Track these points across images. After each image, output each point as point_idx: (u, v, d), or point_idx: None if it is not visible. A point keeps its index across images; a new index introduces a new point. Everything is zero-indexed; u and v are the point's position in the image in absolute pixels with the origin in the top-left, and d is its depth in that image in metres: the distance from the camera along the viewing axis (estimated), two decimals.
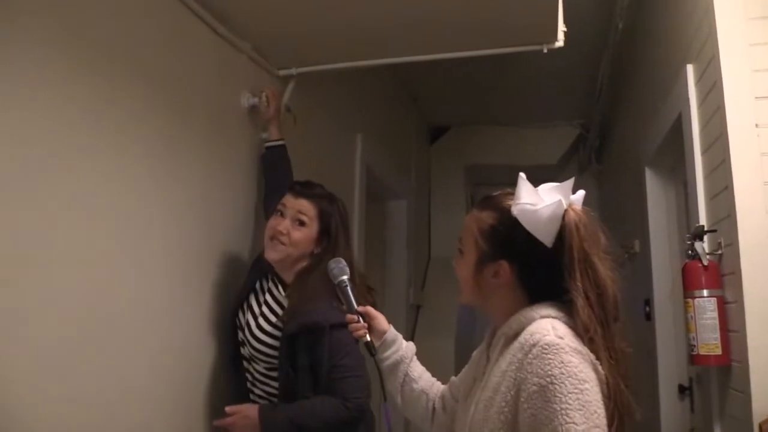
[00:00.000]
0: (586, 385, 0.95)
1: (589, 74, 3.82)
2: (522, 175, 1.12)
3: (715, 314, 1.79)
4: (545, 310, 1.07)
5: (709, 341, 1.80)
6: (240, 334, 1.83)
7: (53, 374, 1.28)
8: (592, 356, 1.00)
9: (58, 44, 1.32)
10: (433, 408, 1.33)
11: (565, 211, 1.08)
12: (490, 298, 1.15)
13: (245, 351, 1.81)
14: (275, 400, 1.76)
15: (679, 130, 2.22)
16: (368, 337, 1.34)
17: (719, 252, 1.84)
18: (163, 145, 1.68)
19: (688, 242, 1.92)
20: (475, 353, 1.29)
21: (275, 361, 1.74)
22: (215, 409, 1.78)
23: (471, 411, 1.11)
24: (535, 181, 1.13)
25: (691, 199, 2.13)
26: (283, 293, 1.80)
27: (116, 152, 1.49)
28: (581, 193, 1.13)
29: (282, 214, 1.80)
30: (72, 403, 1.32)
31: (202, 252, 1.85)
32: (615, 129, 4.11)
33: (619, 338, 1.05)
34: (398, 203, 4.15)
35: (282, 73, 2.28)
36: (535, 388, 0.97)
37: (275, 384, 1.76)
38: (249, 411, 1.69)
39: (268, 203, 2.03)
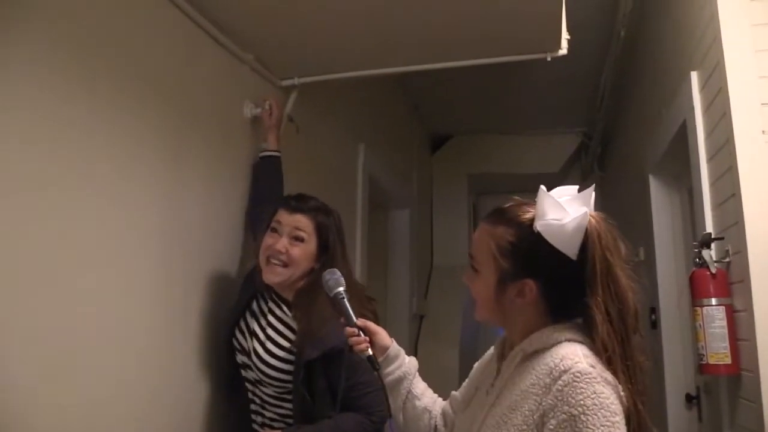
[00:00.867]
0: (617, 418, 0.93)
1: (591, 82, 3.83)
2: (543, 188, 1.07)
3: (724, 323, 1.77)
4: (569, 333, 1.03)
5: (719, 350, 1.77)
6: (240, 357, 1.75)
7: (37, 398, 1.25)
8: (620, 387, 0.97)
9: (60, 52, 1.31)
10: (435, 426, 1.30)
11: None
12: (512, 317, 1.11)
13: (250, 375, 1.73)
14: (290, 421, 1.69)
15: (683, 138, 2.21)
16: (370, 351, 1.28)
17: (727, 260, 1.82)
18: (165, 155, 1.66)
19: (696, 250, 1.90)
20: (477, 363, 1.26)
21: (288, 385, 1.66)
22: None
23: (477, 424, 1.08)
24: (538, 189, 1.09)
25: (696, 207, 2.12)
26: (288, 314, 1.73)
27: (116, 163, 1.48)
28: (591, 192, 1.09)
29: (277, 232, 1.71)
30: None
31: (203, 266, 1.83)
32: (617, 137, 4.10)
33: (638, 352, 1.03)
34: (401, 212, 4.14)
35: (284, 83, 2.27)
36: (565, 416, 0.94)
37: (288, 406, 1.69)
38: None
39: (253, 214, 1.97)
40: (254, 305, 1.79)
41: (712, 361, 1.78)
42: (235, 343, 1.76)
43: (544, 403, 0.97)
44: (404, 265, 4.08)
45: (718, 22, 1.81)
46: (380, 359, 1.30)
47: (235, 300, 1.84)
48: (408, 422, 1.32)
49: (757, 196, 1.68)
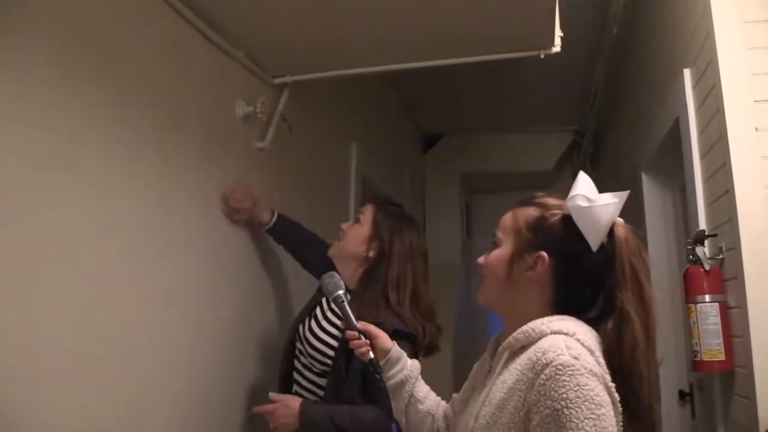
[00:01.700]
0: (603, 410, 0.91)
1: (583, 80, 3.83)
2: (582, 172, 1.11)
3: (718, 319, 1.77)
4: (557, 325, 1.02)
5: (712, 347, 1.78)
6: (299, 346, 1.87)
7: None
8: (608, 378, 0.96)
9: (49, 50, 1.30)
10: (438, 430, 1.28)
11: (614, 225, 1.07)
12: (513, 297, 1.11)
13: (300, 362, 1.86)
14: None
15: (676, 135, 2.21)
16: (371, 354, 1.28)
17: (720, 257, 1.83)
18: (155, 154, 1.65)
19: (689, 247, 1.90)
20: (476, 363, 1.25)
21: (328, 364, 1.76)
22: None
23: (471, 425, 1.07)
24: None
25: (689, 204, 2.12)
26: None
27: (106, 161, 1.46)
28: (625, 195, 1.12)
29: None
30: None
31: (193, 265, 1.82)
32: (609, 134, 4.11)
33: (655, 357, 1.04)
34: None
35: (276, 81, 2.26)
36: (548, 411, 0.92)
37: (321, 393, 1.78)
38: (291, 401, 1.72)
39: (306, 260, 2.15)
40: (321, 305, 1.91)
41: (705, 358, 1.79)
42: (297, 336, 1.89)
43: (528, 399, 0.96)
44: None
45: (711, 19, 1.81)
46: (381, 363, 1.29)
47: (312, 299, 1.99)
48: (411, 426, 1.30)
49: (750, 193, 1.68)
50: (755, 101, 1.72)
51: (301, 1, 1.77)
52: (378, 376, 1.27)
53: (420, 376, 1.33)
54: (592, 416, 0.90)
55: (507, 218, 1.15)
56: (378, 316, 1.65)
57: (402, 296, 1.76)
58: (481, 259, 1.17)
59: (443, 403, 1.32)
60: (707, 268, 1.81)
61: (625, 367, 0.99)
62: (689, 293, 1.85)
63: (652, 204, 2.84)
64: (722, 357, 1.76)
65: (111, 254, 1.46)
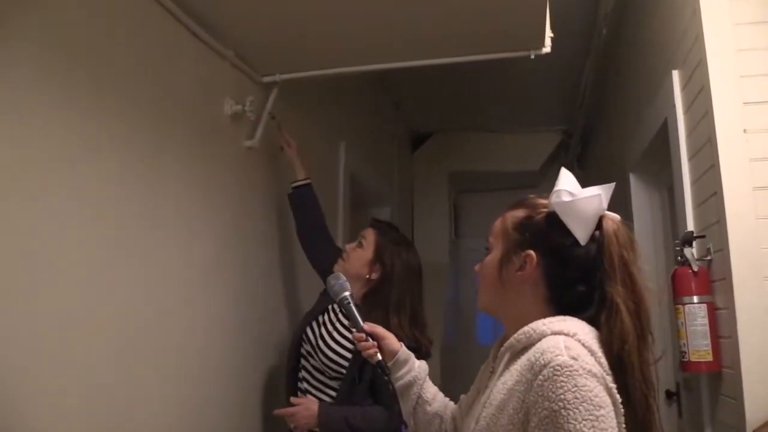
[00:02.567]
0: (602, 411, 0.89)
1: (571, 80, 3.84)
2: (563, 168, 1.11)
3: (706, 320, 1.78)
4: (558, 325, 1.00)
5: (700, 348, 1.78)
6: (306, 348, 2.03)
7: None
8: (608, 379, 0.94)
9: (34, 48, 1.28)
10: (446, 431, 1.27)
11: (603, 217, 1.06)
12: (508, 299, 1.10)
13: (309, 363, 2.01)
14: (327, 399, 1.96)
15: (664, 136, 2.22)
16: (379, 356, 1.29)
17: (708, 258, 1.83)
18: (143, 153, 1.63)
19: (678, 248, 1.91)
20: (482, 366, 1.24)
21: (341, 371, 1.93)
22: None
23: (472, 427, 1.06)
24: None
25: (678, 205, 2.13)
26: None
27: (94, 160, 1.44)
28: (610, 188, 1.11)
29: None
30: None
31: (182, 263, 1.80)
32: (598, 135, 4.13)
33: (650, 352, 1.02)
34: (381, 211, 4.12)
35: (266, 79, 2.24)
36: (546, 413, 0.90)
37: (332, 393, 1.95)
38: (311, 404, 1.90)
39: (305, 244, 2.27)
40: (329, 312, 2.06)
41: (693, 359, 1.79)
42: (304, 337, 2.04)
43: (526, 401, 0.94)
44: None
45: (701, 21, 1.82)
46: (389, 364, 1.30)
47: (319, 302, 2.13)
48: (419, 427, 1.30)
49: (739, 195, 1.69)
50: (744, 103, 1.73)
51: (291, 1, 1.76)
52: (386, 377, 1.28)
53: (428, 378, 1.33)
54: (591, 417, 0.88)
55: (497, 223, 1.16)
56: None
57: (403, 318, 1.91)
58: (477, 267, 1.18)
59: (451, 404, 1.31)
60: (695, 269, 1.82)
61: (615, 359, 0.98)
62: (677, 294, 1.85)
63: (639, 204, 2.85)
64: (710, 358, 1.77)
65: (99, 253, 1.44)
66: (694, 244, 1.90)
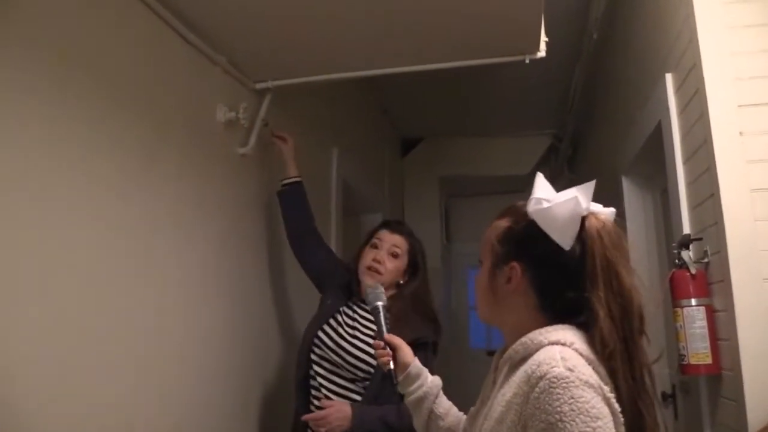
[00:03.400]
0: (599, 423, 0.88)
1: (562, 84, 3.85)
2: (539, 173, 1.10)
3: (704, 323, 1.78)
4: (555, 335, 0.99)
5: (699, 350, 1.78)
6: (319, 351, 2.00)
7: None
8: (606, 389, 0.93)
9: (23, 52, 1.25)
10: None
11: (587, 217, 1.04)
12: (503, 310, 1.09)
13: (323, 367, 1.99)
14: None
15: (657, 139, 2.22)
16: (392, 365, 1.32)
17: (706, 260, 1.83)
18: (135, 160, 1.61)
19: (675, 251, 1.91)
20: (487, 376, 1.24)
21: (368, 369, 1.92)
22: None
23: None
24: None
25: (672, 208, 2.13)
26: None
27: (85, 168, 1.42)
28: (611, 210, 1.09)
29: (377, 247, 2.06)
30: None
31: (174, 270, 1.78)
32: (588, 138, 4.14)
33: (643, 354, 1.00)
34: (373, 216, 4.10)
35: (258, 86, 2.23)
36: (543, 425, 0.89)
37: (355, 396, 1.93)
38: (342, 406, 1.88)
39: (295, 244, 2.25)
40: (342, 309, 2.06)
41: (692, 362, 1.79)
42: (317, 341, 2.01)
43: (524, 413, 0.93)
44: None
45: (695, 24, 1.82)
46: (401, 377, 1.32)
47: (326, 304, 2.12)
48: None
49: (736, 197, 1.69)
50: (739, 105, 1.73)
51: (283, 7, 1.75)
52: (394, 386, 1.33)
53: (441, 393, 1.33)
54: (588, 429, 0.87)
55: (485, 235, 1.15)
56: (418, 328, 1.87)
57: (428, 308, 2.03)
58: (475, 277, 1.18)
59: (465, 418, 1.29)
60: (693, 271, 1.82)
61: (606, 365, 0.96)
62: (676, 297, 1.85)
63: (632, 208, 2.85)
64: (709, 360, 1.77)
65: (93, 258, 1.42)
66: (691, 246, 1.90)
